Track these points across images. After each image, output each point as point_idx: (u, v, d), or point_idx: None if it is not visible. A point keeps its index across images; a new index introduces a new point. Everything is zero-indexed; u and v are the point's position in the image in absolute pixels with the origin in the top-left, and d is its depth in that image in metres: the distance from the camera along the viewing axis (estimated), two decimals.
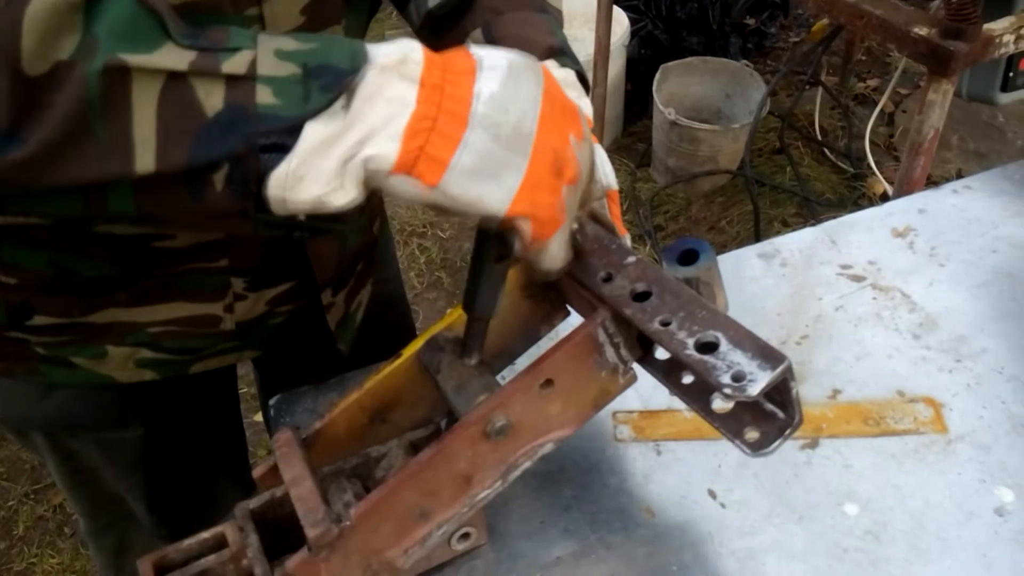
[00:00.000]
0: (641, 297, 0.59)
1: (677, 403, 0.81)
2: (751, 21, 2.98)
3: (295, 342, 0.91)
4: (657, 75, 2.53)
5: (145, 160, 0.47)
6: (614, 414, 0.80)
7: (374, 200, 0.92)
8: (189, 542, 0.60)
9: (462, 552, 0.68)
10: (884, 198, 2.43)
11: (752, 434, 0.59)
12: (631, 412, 0.80)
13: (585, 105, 0.71)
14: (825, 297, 0.91)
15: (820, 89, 2.71)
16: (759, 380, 0.52)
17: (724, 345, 0.54)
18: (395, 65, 0.49)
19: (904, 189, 1.62)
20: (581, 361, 0.61)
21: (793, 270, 0.95)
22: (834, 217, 1.04)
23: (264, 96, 0.48)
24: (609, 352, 0.61)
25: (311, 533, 0.56)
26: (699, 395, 0.62)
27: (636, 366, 0.63)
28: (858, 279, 0.93)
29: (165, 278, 0.74)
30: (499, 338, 0.69)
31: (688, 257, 0.75)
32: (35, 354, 0.77)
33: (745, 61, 2.82)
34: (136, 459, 0.94)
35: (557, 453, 0.63)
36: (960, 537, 0.69)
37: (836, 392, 0.81)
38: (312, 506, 0.58)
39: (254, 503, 0.63)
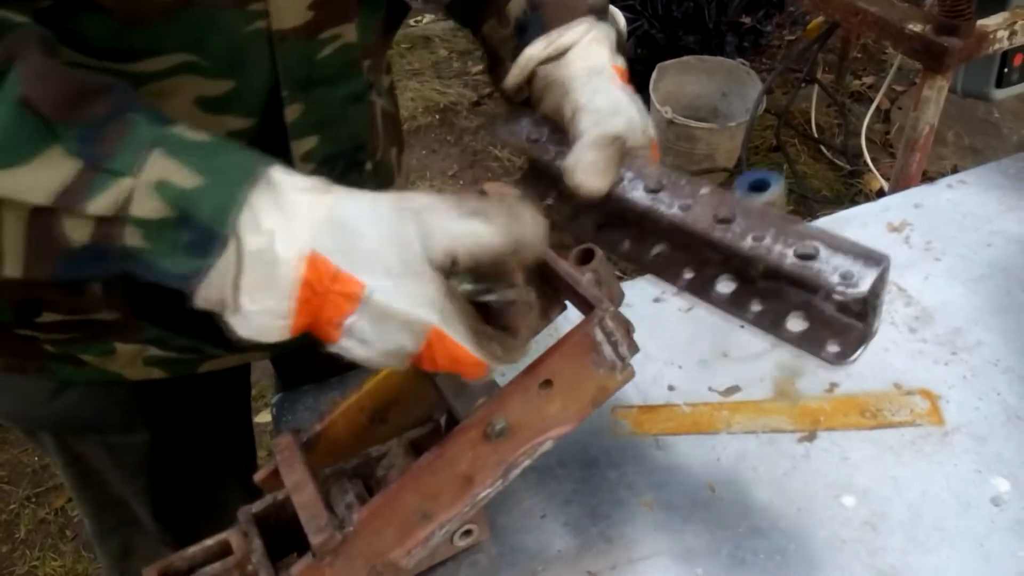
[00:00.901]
0: (725, 221, 0.60)
1: (676, 398, 0.82)
2: (747, 19, 2.99)
3: (307, 344, 0.90)
4: (654, 74, 2.54)
5: (13, 267, 0.49)
6: (613, 409, 0.80)
7: None
8: (193, 549, 0.60)
9: (464, 548, 0.69)
10: (880, 194, 2.44)
11: (833, 348, 0.60)
12: (630, 407, 0.81)
13: (622, 61, 0.73)
14: None
15: (816, 87, 2.71)
16: (866, 277, 0.54)
17: (824, 252, 0.56)
18: (262, 258, 0.49)
19: (900, 185, 1.63)
20: (579, 360, 0.61)
21: None
22: (831, 214, 1.04)
23: (133, 238, 0.48)
24: (606, 350, 0.62)
25: (315, 540, 0.57)
26: (772, 320, 0.62)
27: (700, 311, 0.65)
28: None
29: None
30: None
31: (758, 188, 0.78)
32: (44, 351, 0.78)
33: (741, 59, 2.83)
34: (142, 464, 0.94)
35: (557, 448, 0.64)
36: (957, 527, 0.70)
37: (833, 385, 0.82)
38: (315, 513, 0.58)
39: (257, 507, 0.63)
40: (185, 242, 0.48)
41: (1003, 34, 1.49)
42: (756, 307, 0.63)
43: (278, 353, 0.91)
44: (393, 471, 0.66)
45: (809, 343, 0.60)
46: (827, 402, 0.80)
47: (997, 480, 0.73)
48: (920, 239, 0.97)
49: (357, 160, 0.78)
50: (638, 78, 2.69)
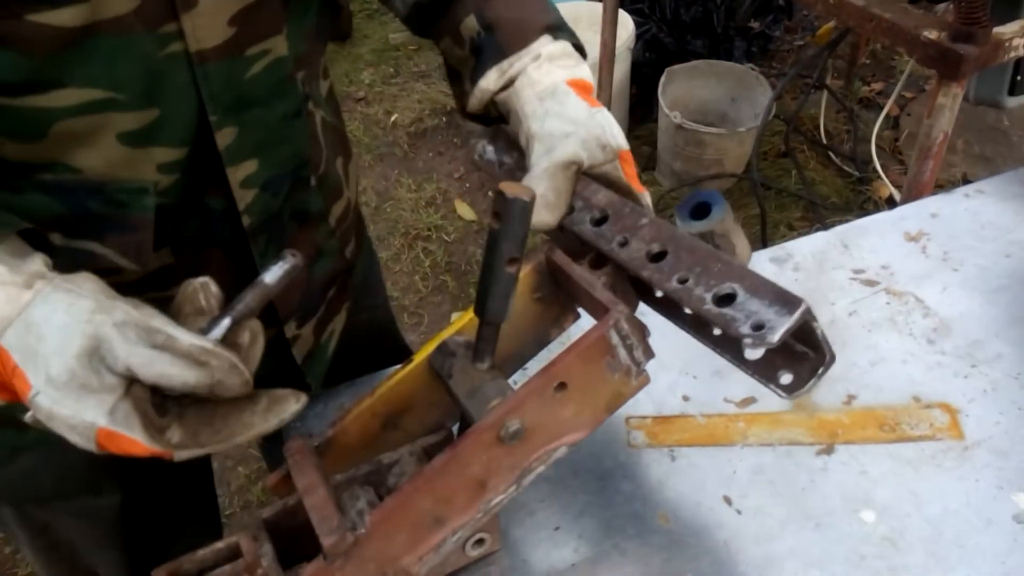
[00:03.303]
0: (658, 257, 0.60)
1: (691, 408, 0.80)
2: (755, 24, 2.98)
3: (264, 379, 0.85)
4: (662, 78, 2.53)
5: None
6: (628, 419, 0.79)
7: (345, 222, 0.87)
8: (203, 552, 0.59)
9: (476, 558, 0.67)
10: (890, 201, 2.43)
11: (786, 377, 0.59)
12: (644, 418, 0.80)
13: (584, 72, 0.70)
14: (838, 302, 0.91)
15: (825, 93, 2.70)
16: (778, 327, 0.52)
17: (741, 295, 0.55)
18: None
19: (913, 193, 1.61)
20: (594, 363, 0.60)
21: (806, 275, 0.95)
22: (840, 221, 1.03)
23: None
24: (622, 354, 0.61)
25: (326, 541, 0.56)
26: (730, 345, 0.61)
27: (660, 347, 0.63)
28: (871, 284, 0.93)
29: None
30: (509, 342, 0.69)
31: (701, 211, 0.76)
32: None
33: (750, 64, 2.82)
34: (114, 528, 0.88)
35: (571, 459, 0.63)
36: (978, 544, 0.69)
37: (851, 398, 0.81)
38: (327, 514, 0.57)
39: (267, 512, 0.62)
40: None
41: (1019, 42, 1.48)
42: (717, 330, 0.61)
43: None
44: (405, 479, 0.65)
45: (763, 372, 0.59)
46: (845, 415, 0.79)
47: (1019, 496, 0.72)
48: (937, 249, 0.96)
49: (301, 178, 0.75)
50: (646, 82, 2.69)
